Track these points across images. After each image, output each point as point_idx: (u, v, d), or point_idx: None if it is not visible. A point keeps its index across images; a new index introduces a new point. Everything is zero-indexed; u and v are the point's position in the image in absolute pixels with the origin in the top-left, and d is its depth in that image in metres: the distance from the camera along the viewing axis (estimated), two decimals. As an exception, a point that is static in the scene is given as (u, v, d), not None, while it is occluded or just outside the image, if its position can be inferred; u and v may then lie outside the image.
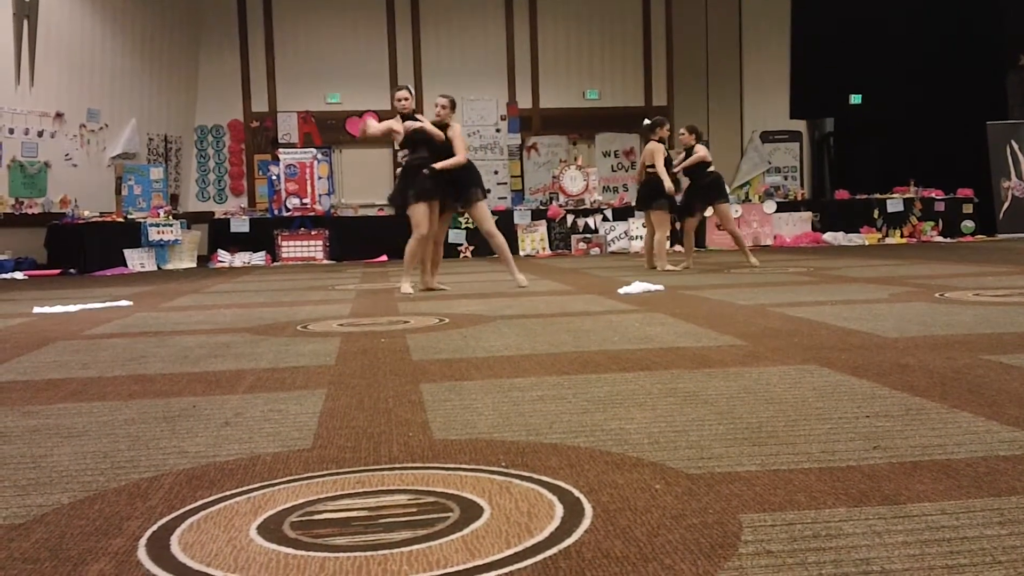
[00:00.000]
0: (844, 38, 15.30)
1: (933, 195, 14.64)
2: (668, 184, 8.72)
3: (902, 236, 14.34)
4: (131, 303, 6.77)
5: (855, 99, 16.02)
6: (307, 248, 13.73)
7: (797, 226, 14.38)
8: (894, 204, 14.52)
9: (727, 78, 16.83)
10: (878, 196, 14.68)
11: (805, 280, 7.27)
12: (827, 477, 1.87)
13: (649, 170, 8.89)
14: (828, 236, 14.16)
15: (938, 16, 14.98)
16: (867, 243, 13.91)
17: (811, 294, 6.00)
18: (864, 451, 2.06)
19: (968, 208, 14.65)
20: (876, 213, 14.48)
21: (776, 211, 14.39)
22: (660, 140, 8.90)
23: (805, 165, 16.99)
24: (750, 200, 14.92)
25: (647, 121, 9.18)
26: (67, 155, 13.00)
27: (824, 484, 1.82)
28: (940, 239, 14.29)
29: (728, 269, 8.94)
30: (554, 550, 1.52)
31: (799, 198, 15.27)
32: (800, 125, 16.84)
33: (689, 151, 9.18)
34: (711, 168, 9.28)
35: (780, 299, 5.65)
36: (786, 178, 16.49)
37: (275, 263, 13.53)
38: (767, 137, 16.71)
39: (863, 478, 1.86)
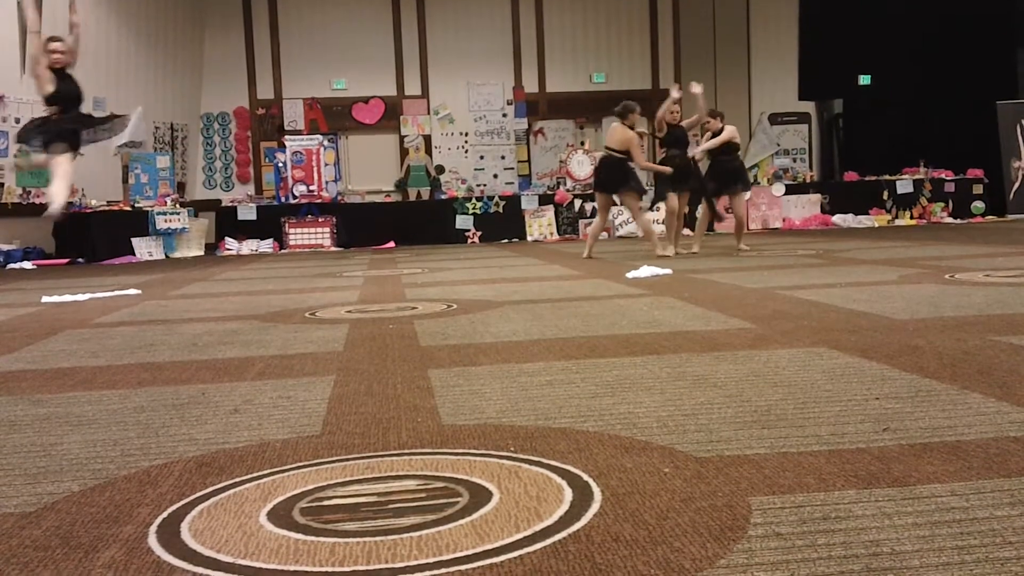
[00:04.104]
0: (853, 18, 15.18)
1: (943, 176, 14.56)
2: (661, 169, 8.32)
3: (912, 217, 14.28)
4: (139, 291, 6.78)
5: (864, 80, 15.91)
6: (314, 235, 13.73)
7: (806, 208, 14.33)
8: (904, 185, 14.45)
9: (735, 60, 16.73)
10: (887, 177, 14.61)
11: (814, 262, 7.24)
12: (836, 459, 1.86)
13: (615, 154, 8.29)
14: (837, 218, 14.10)
15: (947, -5, 14.86)
16: (877, 225, 13.85)
17: (820, 276, 5.97)
18: (874, 433, 2.05)
19: (978, 189, 14.57)
20: (886, 194, 14.41)
21: (785, 194, 14.33)
22: (631, 127, 8.26)
23: (814, 147, 16.90)
24: (759, 183, 14.85)
25: (618, 107, 8.41)
26: (74, 144, 12.99)
27: (833, 466, 1.82)
28: (950, 220, 14.22)
29: (736, 252, 8.91)
30: (563, 534, 1.52)
31: (808, 180, 15.21)
32: (808, 107, 16.74)
33: (716, 134, 8.75)
34: (739, 149, 8.99)
35: (789, 282, 5.63)
36: (795, 160, 16.41)
37: (283, 250, 13.55)
38: (775, 119, 16.62)
39: (873, 460, 1.85)
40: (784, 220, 14.18)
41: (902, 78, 15.01)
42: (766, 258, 8.00)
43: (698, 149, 8.94)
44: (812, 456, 1.89)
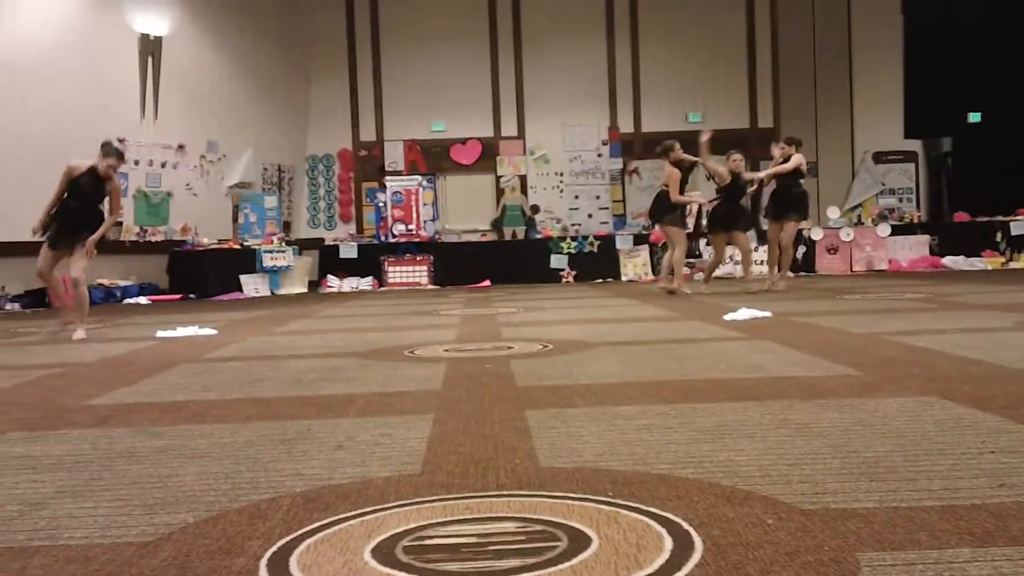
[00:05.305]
0: (961, 53, 14.75)
1: (1061, 217, 13.92)
2: (689, 200, 9.20)
3: (1027, 260, 13.66)
4: (216, 331, 6.61)
5: (974, 117, 15.40)
6: (412, 273, 13.98)
7: (914, 250, 13.87)
8: (1018, 226, 13.85)
9: (837, 97, 16.43)
10: (1001, 218, 14.04)
11: (923, 307, 7.01)
12: (950, 515, 1.80)
13: (665, 189, 9.12)
14: (947, 260, 13.61)
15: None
16: (990, 267, 13.30)
17: (930, 321, 5.78)
18: (989, 489, 1.97)
19: (1099, 230, 13.87)
20: (999, 236, 13.84)
21: (891, 234, 13.92)
22: (677, 163, 9.00)
23: (921, 186, 16.40)
24: (863, 223, 14.48)
25: (659, 148, 9.38)
26: (188, 185, 13.63)
27: (947, 523, 1.76)
28: (1069, 263, 13.55)
29: (839, 295, 8.69)
30: (664, 583, 1.51)
31: (915, 221, 14.75)
32: (915, 145, 16.28)
33: (785, 161, 9.23)
34: (802, 180, 9.31)
35: (897, 327, 5.46)
36: (901, 200, 15.95)
37: (382, 288, 13.83)
38: (880, 158, 16.21)
39: (988, 517, 1.78)
40: (890, 262, 13.76)
41: (1014, 115, 14.47)
42: (871, 301, 7.78)
43: (766, 172, 9.43)
44: (924, 511, 1.83)
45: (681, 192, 9.08)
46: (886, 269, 13.60)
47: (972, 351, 4.16)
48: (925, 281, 10.66)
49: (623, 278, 14.01)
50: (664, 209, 9.06)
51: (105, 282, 12.00)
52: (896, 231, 14.01)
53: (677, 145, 9.17)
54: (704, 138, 9.42)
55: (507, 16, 16.22)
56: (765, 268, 10.33)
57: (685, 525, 1.80)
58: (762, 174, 9.75)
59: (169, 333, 6.53)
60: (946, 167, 16.49)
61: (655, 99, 16.36)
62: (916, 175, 16.33)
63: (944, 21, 14.97)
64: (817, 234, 13.93)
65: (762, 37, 16.26)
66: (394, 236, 14.48)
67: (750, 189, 9.51)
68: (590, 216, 16.17)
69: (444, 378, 3.95)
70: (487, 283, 13.81)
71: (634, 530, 1.79)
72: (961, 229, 14.18)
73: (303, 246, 14.49)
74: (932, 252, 13.84)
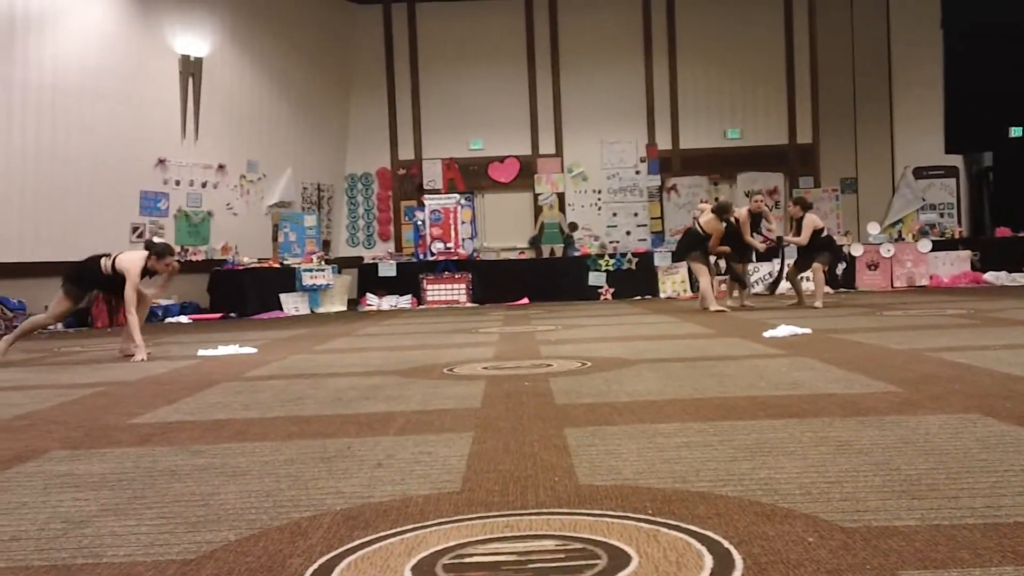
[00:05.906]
0: (1001, 67, 14.56)
1: (1106, 231, 13.65)
2: (724, 252, 9.81)
3: (1073, 275, 13.40)
4: (256, 350, 6.77)
5: (1015, 131, 15.17)
6: (451, 291, 14.05)
7: (955, 265, 13.68)
8: (1063, 241, 13.62)
9: (876, 112, 16.28)
10: (1044, 233, 13.82)
11: (965, 323, 6.90)
12: (993, 533, 1.78)
13: (700, 232, 9.67)
14: (989, 276, 13.39)
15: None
16: (1034, 282, 13.07)
17: (972, 338, 5.69)
18: (1035, 508, 1.95)
19: None
20: (1043, 251, 13.61)
21: (932, 250, 13.74)
22: (726, 221, 9.66)
23: (962, 201, 16.17)
24: (903, 239, 14.30)
25: (717, 207, 9.85)
26: (228, 204, 13.83)
27: (990, 541, 1.73)
28: (1118, 277, 13.26)
29: (880, 311, 8.59)
30: (704, 602, 1.51)
31: (956, 236, 14.54)
32: (956, 160, 16.07)
33: (799, 221, 9.82)
34: (823, 232, 9.95)
35: (938, 343, 5.38)
36: (942, 215, 15.73)
37: (420, 306, 13.90)
38: (920, 173, 16.01)
39: (1034, 537, 1.75)
40: (931, 277, 13.57)
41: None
42: (912, 317, 7.68)
43: (791, 241, 10.08)
44: (966, 529, 1.81)
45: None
46: (927, 285, 13.42)
47: (1015, 367, 4.10)
48: (966, 297, 10.50)
49: (662, 295, 13.95)
50: (690, 247, 9.79)
51: (148, 301, 12.20)
52: (937, 247, 13.83)
53: (734, 208, 10.10)
54: (754, 206, 10.25)
55: (544, 34, 16.31)
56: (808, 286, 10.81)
57: (725, 543, 1.80)
58: (778, 239, 10.79)
59: (210, 352, 6.62)
60: (987, 182, 16.25)
61: (693, 116, 16.33)
62: (957, 190, 16.11)
63: (984, 35, 14.78)
64: (857, 250, 13.79)
65: (800, 53, 16.18)
66: (432, 254, 14.57)
67: (766, 234, 10.59)
68: (628, 233, 16.15)
69: (483, 396, 3.97)
70: (525, 301, 13.83)
71: (674, 548, 1.79)
72: (1003, 244, 13.97)
73: (342, 265, 14.62)
74: (974, 268, 13.64)
